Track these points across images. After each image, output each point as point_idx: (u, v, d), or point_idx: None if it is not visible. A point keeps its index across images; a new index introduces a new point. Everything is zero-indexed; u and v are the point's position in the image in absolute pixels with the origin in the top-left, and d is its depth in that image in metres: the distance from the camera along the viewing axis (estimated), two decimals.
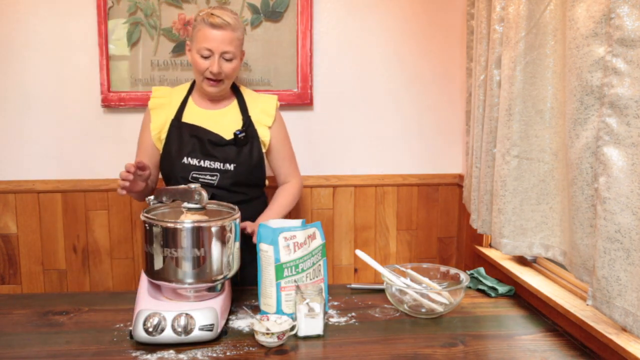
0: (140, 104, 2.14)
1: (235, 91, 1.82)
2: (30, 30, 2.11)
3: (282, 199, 1.81)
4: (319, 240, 1.51)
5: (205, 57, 1.65)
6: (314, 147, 2.24)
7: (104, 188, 2.19)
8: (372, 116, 2.25)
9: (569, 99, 1.26)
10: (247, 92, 1.84)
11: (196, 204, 1.39)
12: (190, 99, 1.79)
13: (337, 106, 2.23)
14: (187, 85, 1.82)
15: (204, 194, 1.39)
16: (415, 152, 2.29)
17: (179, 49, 2.14)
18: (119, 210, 2.21)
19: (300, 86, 2.18)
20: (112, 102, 2.14)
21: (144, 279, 1.42)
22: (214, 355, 1.27)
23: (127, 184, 1.53)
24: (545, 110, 1.47)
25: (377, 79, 2.23)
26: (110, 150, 2.18)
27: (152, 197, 1.50)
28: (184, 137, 1.72)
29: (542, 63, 1.46)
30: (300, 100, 2.18)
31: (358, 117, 2.25)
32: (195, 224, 1.35)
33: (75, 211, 2.20)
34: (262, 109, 1.80)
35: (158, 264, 1.36)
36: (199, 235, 1.35)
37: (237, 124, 1.76)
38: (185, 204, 1.41)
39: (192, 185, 1.40)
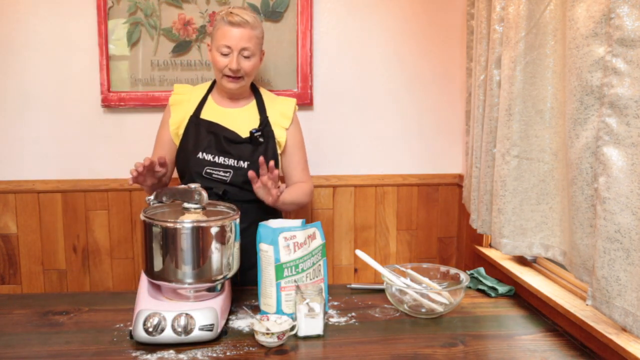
0: (140, 104, 2.14)
1: (255, 91, 1.84)
2: (30, 30, 2.11)
3: (295, 189, 1.79)
4: (319, 240, 1.51)
5: (225, 55, 1.68)
6: (314, 147, 2.24)
7: (104, 188, 2.19)
8: (372, 116, 2.25)
9: (569, 99, 1.26)
10: (266, 94, 1.86)
11: (196, 204, 1.40)
12: (210, 97, 1.81)
13: (337, 106, 2.24)
14: (208, 84, 1.85)
15: (204, 194, 1.39)
16: (415, 152, 2.29)
17: (179, 49, 2.14)
18: (119, 210, 2.21)
19: (300, 86, 2.18)
20: (112, 102, 2.14)
21: (144, 279, 1.42)
22: (214, 355, 1.27)
23: (134, 174, 1.53)
24: (545, 110, 1.47)
25: (377, 79, 2.23)
26: (110, 150, 2.18)
27: (152, 197, 1.50)
28: (201, 133, 1.74)
29: (542, 63, 1.46)
30: (300, 100, 2.18)
31: (358, 117, 2.25)
32: (195, 224, 1.35)
33: (75, 211, 2.20)
34: (280, 110, 1.81)
35: (158, 264, 1.36)
36: (199, 235, 1.35)
37: (254, 123, 1.77)
38: (185, 204, 1.41)
39: (192, 185, 1.40)
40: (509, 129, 1.54)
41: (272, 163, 1.54)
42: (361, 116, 2.25)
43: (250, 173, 1.57)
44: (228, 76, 1.70)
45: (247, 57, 1.69)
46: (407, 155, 2.29)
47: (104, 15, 2.09)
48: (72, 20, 2.11)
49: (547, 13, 1.43)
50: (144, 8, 2.11)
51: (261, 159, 1.56)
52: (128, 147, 2.16)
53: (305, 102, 2.19)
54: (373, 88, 2.24)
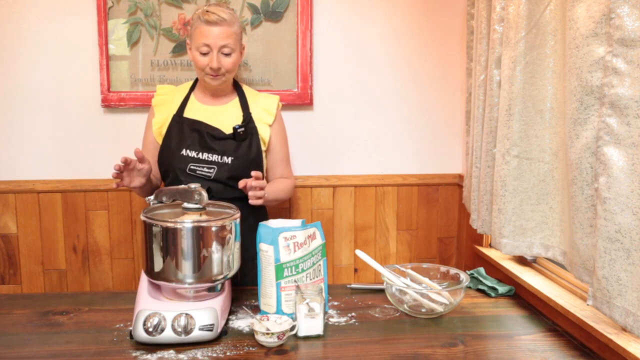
0: (140, 104, 2.14)
1: (237, 88, 1.85)
2: (30, 30, 2.11)
3: (277, 185, 1.81)
4: (319, 240, 1.51)
5: (204, 54, 1.68)
6: (314, 147, 2.24)
7: (104, 188, 2.19)
8: (372, 116, 2.25)
9: (569, 99, 1.26)
10: (249, 91, 1.86)
11: (196, 204, 1.40)
12: (192, 96, 1.82)
13: (337, 106, 2.23)
14: (190, 83, 1.86)
15: (204, 194, 1.39)
16: (415, 152, 2.29)
17: (179, 49, 2.14)
18: (119, 210, 2.21)
19: (300, 86, 2.18)
20: (112, 102, 2.14)
21: (144, 279, 1.42)
22: (214, 355, 1.27)
23: (114, 175, 1.55)
24: (545, 110, 1.47)
25: (377, 79, 2.23)
26: (110, 150, 2.18)
27: (152, 197, 1.50)
28: (184, 131, 1.74)
29: (542, 63, 1.46)
30: (300, 100, 2.18)
31: (358, 117, 2.25)
32: (195, 224, 1.34)
33: (75, 211, 2.20)
34: (264, 107, 1.82)
35: (158, 264, 1.36)
36: (199, 235, 1.35)
37: (237, 119, 1.78)
38: (185, 204, 1.41)
39: (192, 185, 1.40)
40: (509, 129, 1.54)
41: (258, 174, 1.56)
42: (361, 116, 2.25)
43: (241, 183, 1.56)
44: (210, 74, 1.71)
45: (227, 55, 1.69)
46: (407, 155, 2.29)
47: (104, 15, 2.09)
48: (72, 20, 2.11)
49: (547, 13, 1.43)
50: (144, 8, 2.11)
51: (241, 183, 1.56)
52: (128, 147, 2.14)
53: (305, 102, 2.19)
54: (373, 88, 2.24)
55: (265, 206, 1.89)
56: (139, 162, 1.59)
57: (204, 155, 1.72)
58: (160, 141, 1.79)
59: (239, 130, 1.73)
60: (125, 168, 1.56)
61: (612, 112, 1.12)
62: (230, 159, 1.72)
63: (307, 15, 2.14)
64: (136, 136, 1.98)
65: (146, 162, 1.61)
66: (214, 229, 1.36)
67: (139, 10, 2.11)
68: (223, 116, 1.77)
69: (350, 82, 2.23)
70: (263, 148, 1.80)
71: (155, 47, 2.14)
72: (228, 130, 1.74)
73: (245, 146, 1.75)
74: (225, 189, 1.71)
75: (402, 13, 2.20)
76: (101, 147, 2.18)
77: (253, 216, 1.74)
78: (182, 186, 1.43)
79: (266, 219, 1.79)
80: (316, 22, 2.17)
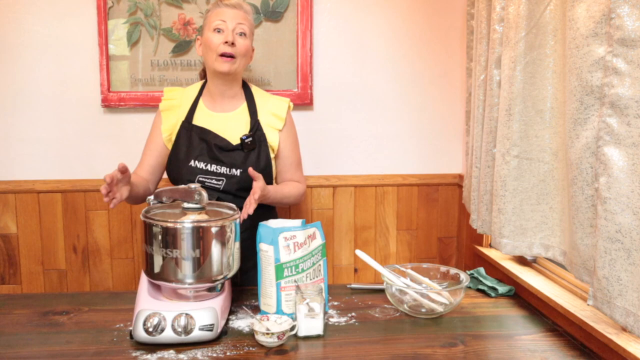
0: (140, 104, 2.14)
1: (246, 91, 1.79)
2: (30, 30, 2.11)
3: (285, 187, 1.76)
4: (319, 240, 1.51)
5: (219, 32, 1.65)
6: (314, 147, 2.24)
7: None
8: (372, 116, 2.25)
9: (569, 99, 1.26)
10: (258, 94, 1.80)
11: (196, 204, 1.40)
12: (200, 101, 1.76)
13: (337, 106, 2.23)
14: (198, 86, 1.80)
15: (204, 194, 1.39)
16: (415, 152, 2.29)
17: (179, 49, 2.14)
18: (119, 210, 2.21)
19: (300, 86, 2.18)
20: (112, 102, 2.14)
21: (144, 279, 1.42)
22: (214, 355, 1.27)
23: (104, 191, 1.40)
24: (545, 110, 1.47)
25: (377, 78, 2.23)
26: (110, 150, 2.18)
27: (152, 197, 1.49)
28: (193, 140, 1.71)
29: (542, 63, 1.46)
30: (300, 100, 2.18)
31: (358, 117, 2.25)
32: (195, 224, 1.34)
33: (75, 211, 2.20)
34: (272, 111, 1.76)
35: (158, 264, 1.36)
36: (199, 235, 1.35)
37: (246, 127, 1.73)
38: (185, 204, 1.41)
39: (192, 185, 1.40)
40: (509, 129, 1.54)
41: (251, 172, 1.56)
42: (361, 116, 2.25)
43: (251, 170, 1.56)
44: (222, 55, 1.64)
45: (241, 35, 1.66)
46: (407, 155, 2.29)
47: (104, 15, 2.09)
48: (72, 20, 2.11)
49: (547, 13, 1.43)
50: (144, 8, 2.11)
51: (250, 170, 1.55)
52: (128, 147, 2.15)
53: (305, 102, 2.19)
54: (373, 88, 2.24)
55: (277, 213, 1.89)
56: (121, 173, 1.44)
57: (213, 167, 1.69)
58: (170, 147, 1.75)
59: (246, 140, 1.69)
60: (111, 186, 1.41)
61: (612, 112, 1.12)
62: (239, 171, 1.69)
63: (307, 15, 2.14)
64: (136, 136, 1.98)
65: (127, 172, 1.47)
66: (214, 229, 1.36)
67: (139, 10, 2.11)
68: (231, 125, 1.72)
69: (350, 82, 2.23)
70: (272, 155, 1.75)
71: (155, 47, 2.14)
72: (235, 140, 1.70)
73: (253, 157, 1.70)
74: (234, 199, 1.67)
75: (402, 13, 2.20)
76: (101, 147, 2.18)
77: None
78: (182, 186, 1.43)
79: None
80: (316, 22, 2.18)
